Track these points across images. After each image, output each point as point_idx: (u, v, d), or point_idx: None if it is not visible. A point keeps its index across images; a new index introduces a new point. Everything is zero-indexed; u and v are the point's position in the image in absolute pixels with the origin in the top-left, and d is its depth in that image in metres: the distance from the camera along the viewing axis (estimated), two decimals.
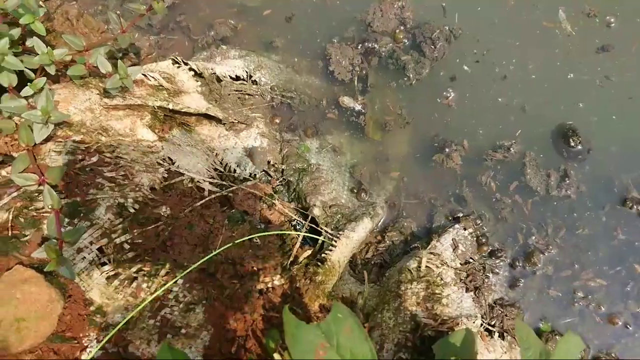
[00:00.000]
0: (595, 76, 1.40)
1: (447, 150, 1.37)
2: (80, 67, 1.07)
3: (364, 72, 1.48)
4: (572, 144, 1.34)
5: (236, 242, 1.07)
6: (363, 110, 1.44)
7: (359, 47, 1.49)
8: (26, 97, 0.97)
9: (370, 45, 1.49)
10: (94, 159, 1.03)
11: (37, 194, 0.96)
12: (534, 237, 1.30)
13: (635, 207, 1.29)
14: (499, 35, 1.47)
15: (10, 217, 0.92)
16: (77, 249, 0.95)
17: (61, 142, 1.01)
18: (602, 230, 1.29)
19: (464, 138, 1.38)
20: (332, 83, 1.48)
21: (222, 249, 1.04)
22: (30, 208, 0.95)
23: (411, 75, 1.44)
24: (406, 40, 1.50)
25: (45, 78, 1.02)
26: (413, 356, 1.02)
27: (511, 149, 1.36)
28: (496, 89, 1.41)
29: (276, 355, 0.83)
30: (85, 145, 1.03)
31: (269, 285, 1.01)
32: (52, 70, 1.03)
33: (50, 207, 0.86)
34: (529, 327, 0.90)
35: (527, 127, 1.38)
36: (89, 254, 0.95)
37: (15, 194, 0.93)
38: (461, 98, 1.42)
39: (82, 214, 0.99)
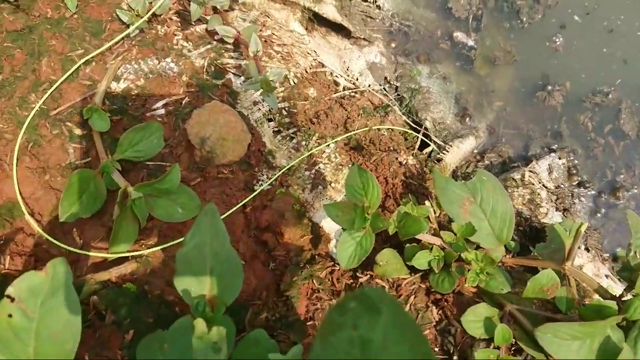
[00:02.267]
0: None
1: (549, 88, 1.50)
2: None
3: (480, 11, 1.61)
4: None
5: (374, 127, 1.21)
6: (474, 45, 1.58)
7: None
8: None
9: None
10: (268, 32, 1.19)
11: (223, 51, 1.12)
12: (621, 176, 1.43)
13: None
14: None
15: (205, 65, 1.08)
16: (253, 102, 1.10)
17: (245, 11, 1.16)
18: None
19: (567, 80, 1.51)
20: (448, 18, 1.62)
21: (363, 129, 1.19)
22: (218, 61, 1.10)
23: (524, 19, 1.57)
24: None
25: None
26: (522, 240, 1.17)
27: (609, 95, 1.49)
28: (602, 40, 1.54)
29: (427, 202, 0.98)
30: (262, 20, 1.18)
31: (406, 161, 1.16)
32: None
33: (255, 52, 1.01)
34: (637, 216, 1.04)
35: (626, 77, 1.51)
36: (262, 107, 1.11)
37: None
38: (568, 44, 1.55)
39: None
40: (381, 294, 0.38)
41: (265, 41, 1.18)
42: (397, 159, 1.14)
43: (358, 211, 0.88)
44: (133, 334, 0.73)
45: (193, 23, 1.11)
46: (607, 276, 1.28)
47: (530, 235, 1.19)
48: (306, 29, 1.39)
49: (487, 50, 1.57)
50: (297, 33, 1.31)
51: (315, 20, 1.46)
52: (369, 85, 1.48)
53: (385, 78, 1.53)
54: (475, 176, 0.99)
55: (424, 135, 1.43)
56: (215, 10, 1.13)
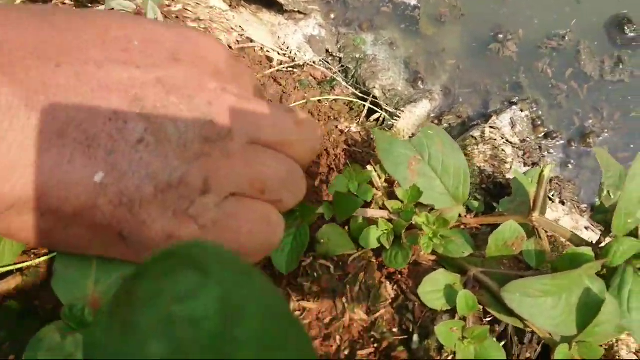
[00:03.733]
0: None
1: (502, 38, 1.40)
2: None
3: None
4: (627, 31, 1.37)
5: (313, 99, 1.10)
6: (418, 4, 1.47)
7: None
8: None
9: None
10: (179, 7, 1.07)
11: None
12: (589, 121, 1.33)
13: None
14: None
15: None
16: None
17: None
18: None
19: (519, 28, 1.41)
20: None
21: (300, 102, 1.08)
22: None
23: None
24: None
25: None
26: (486, 199, 1.06)
27: (566, 37, 1.39)
28: None
29: (369, 167, 0.87)
30: None
31: (347, 129, 1.04)
32: None
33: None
34: (607, 153, 0.93)
35: (581, 17, 1.41)
36: None
37: None
38: None
39: None
40: (210, 250, 0.26)
41: (177, 17, 1.06)
42: (337, 127, 1.02)
43: None
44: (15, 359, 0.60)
45: (89, 4, 0.99)
46: (587, 228, 1.17)
47: (495, 192, 1.09)
48: (230, 5, 1.27)
49: (431, 8, 1.47)
50: (217, 9, 1.19)
51: None
52: (309, 61, 1.36)
53: (327, 50, 1.42)
54: (420, 131, 0.88)
55: (373, 104, 1.31)
56: None
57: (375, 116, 1.23)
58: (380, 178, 0.90)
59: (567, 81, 1.37)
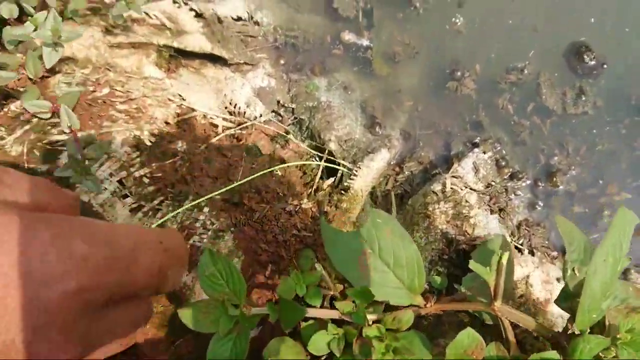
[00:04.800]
0: None
1: (459, 76, 1.34)
2: (82, 0, 1.02)
3: (369, 5, 1.44)
4: (586, 59, 1.31)
5: (260, 173, 1.03)
6: (370, 44, 1.41)
7: None
8: None
9: None
10: (106, 91, 0.99)
11: (50, 127, 0.92)
12: (555, 158, 1.28)
13: None
14: None
15: (25, 150, 0.88)
16: (100, 180, 0.91)
17: (70, 73, 0.96)
18: (622, 144, 1.27)
19: (476, 63, 1.35)
20: (336, 20, 1.44)
21: (247, 179, 1.01)
22: (44, 141, 0.91)
23: (417, 4, 1.40)
24: None
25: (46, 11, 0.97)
26: (449, 270, 1.00)
27: (525, 70, 1.33)
28: (506, 10, 1.38)
29: (317, 266, 0.80)
30: (95, 77, 0.99)
31: (298, 207, 0.98)
32: (52, 2, 0.97)
33: (69, 127, 0.81)
34: (570, 222, 0.88)
35: (539, 47, 1.35)
36: (109, 185, 0.91)
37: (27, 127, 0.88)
38: (470, 23, 1.38)
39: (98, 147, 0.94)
40: None
41: (104, 102, 0.98)
42: (284, 209, 0.96)
43: (221, 308, 0.70)
44: None
45: (4, 101, 0.91)
46: (558, 280, 1.12)
47: (458, 262, 1.03)
48: (168, 69, 1.19)
49: (384, 47, 1.40)
50: (152, 79, 1.12)
51: (181, 55, 1.26)
52: (260, 116, 1.30)
53: (279, 102, 1.35)
54: (368, 219, 0.82)
55: (329, 161, 1.25)
56: (31, 79, 0.93)
57: (329, 182, 1.16)
58: (330, 275, 0.84)
59: (529, 117, 1.31)
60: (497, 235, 0.96)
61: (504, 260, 0.76)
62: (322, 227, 0.82)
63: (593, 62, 1.31)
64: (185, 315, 0.70)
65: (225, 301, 0.69)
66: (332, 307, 0.80)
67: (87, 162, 0.79)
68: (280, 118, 1.34)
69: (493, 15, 1.38)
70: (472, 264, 0.78)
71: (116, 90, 1.01)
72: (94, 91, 0.97)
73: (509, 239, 1.12)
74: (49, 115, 0.87)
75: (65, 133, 0.91)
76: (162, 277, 0.70)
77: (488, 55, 1.36)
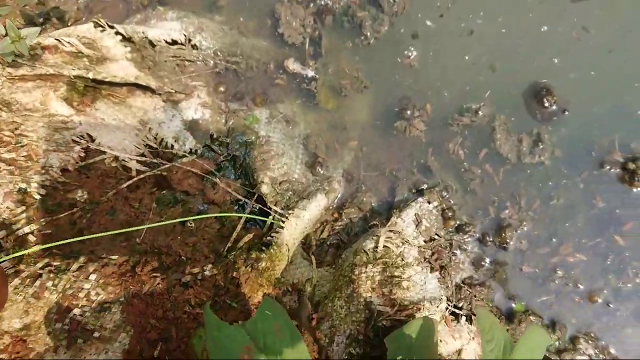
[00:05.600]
0: (571, 28, 1.25)
1: (409, 115, 1.23)
2: None
3: (317, 32, 1.32)
4: (546, 104, 1.20)
5: (167, 222, 0.93)
6: (315, 75, 1.30)
7: (311, 5, 1.33)
8: None
9: (323, 2, 1.33)
10: None
11: None
12: (506, 211, 1.18)
13: (614, 169, 1.16)
14: None
15: None
16: None
17: None
18: (580, 199, 1.17)
19: (427, 102, 1.24)
20: (282, 46, 1.33)
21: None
22: None
23: (368, 34, 1.28)
24: None
25: None
26: (365, 350, 0.90)
27: (479, 112, 1.22)
28: (462, 45, 1.27)
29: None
30: None
31: (198, 276, 0.88)
32: None
33: None
34: (492, 316, 0.78)
35: (496, 87, 1.24)
36: None
37: None
38: (424, 57, 1.27)
39: None
40: None
41: None
42: (179, 280, 0.86)
43: None
44: None
45: None
46: None
47: (377, 342, 0.93)
48: (81, 103, 1.09)
49: (330, 78, 1.29)
50: (58, 117, 1.01)
51: (103, 84, 1.15)
52: (190, 151, 1.19)
53: (212, 135, 1.24)
54: (257, 311, 0.72)
55: (259, 207, 1.15)
56: None
57: (246, 238, 1.05)
58: None
59: (481, 164, 1.21)
60: (417, 319, 0.85)
61: None
62: (205, 317, 0.72)
63: (554, 107, 1.20)
64: None
65: None
66: None
67: None
68: (213, 154, 1.24)
69: (448, 49, 1.27)
70: None
71: (4, 135, 0.91)
72: None
73: (445, 305, 1.03)
74: None
75: None
76: None
77: (441, 94, 1.25)
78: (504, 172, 1.20)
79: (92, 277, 0.85)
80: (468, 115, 1.23)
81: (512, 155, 1.20)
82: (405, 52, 1.28)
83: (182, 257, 0.90)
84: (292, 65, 1.30)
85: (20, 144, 0.92)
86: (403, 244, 1.09)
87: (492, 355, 0.74)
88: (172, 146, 1.19)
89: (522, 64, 1.24)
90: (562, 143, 1.19)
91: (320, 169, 1.23)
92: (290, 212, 1.12)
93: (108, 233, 0.85)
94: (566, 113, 1.20)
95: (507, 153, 1.20)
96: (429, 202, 1.18)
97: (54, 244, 0.81)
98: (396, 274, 1.03)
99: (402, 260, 1.07)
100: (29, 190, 0.89)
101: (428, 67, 1.27)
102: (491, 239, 1.17)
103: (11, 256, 0.79)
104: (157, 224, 0.91)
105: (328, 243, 1.18)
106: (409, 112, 1.24)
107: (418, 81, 1.26)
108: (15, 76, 1.01)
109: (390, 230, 1.10)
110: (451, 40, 1.27)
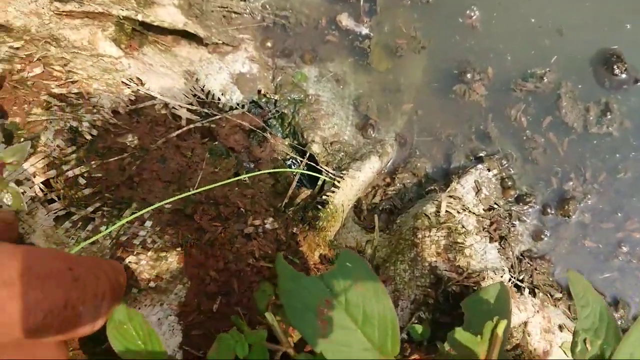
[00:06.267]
0: None
1: (469, 79, 1.16)
2: None
3: None
4: (616, 71, 1.13)
5: (221, 183, 0.87)
6: (370, 33, 1.23)
7: None
8: None
9: None
10: (37, 71, 0.82)
11: None
12: (570, 182, 1.11)
13: None
14: None
15: None
16: (15, 181, 0.75)
17: None
18: None
19: (489, 65, 1.17)
20: (335, 1, 1.26)
21: (205, 188, 0.84)
22: None
23: None
24: None
25: None
26: (434, 315, 0.85)
27: (545, 78, 1.15)
28: (528, 7, 1.20)
29: (268, 315, 0.65)
30: (26, 53, 0.82)
31: (260, 229, 0.82)
32: None
33: None
34: (585, 280, 0.72)
35: (563, 52, 1.17)
36: (30, 188, 0.75)
37: None
38: (487, 18, 1.20)
39: (22, 139, 0.78)
40: None
41: (34, 84, 0.81)
42: (242, 231, 0.80)
43: None
44: None
45: None
46: (561, 327, 0.97)
47: (445, 308, 0.87)
48: (129, 46, 1.02)
49: (385, 37, 1.22)
50: (107, 58, 0.94)
51: (150, 30, 1.09)
52: (237, 106, 1.13)
53: (260, 91, 1.18)
54: (336, 263, 0.66)
55: (310, 167, 1.08)
56: None
57: (304, 195, 1.00)
58: (285, 325, 0.68)
59: (544, 132, 1.14)
60: (494, 284, 0.80)
61: (500, 332, 0.60)
62: (278, 266, 0.66)
63: (624, 76, 1.14)
64: None
65: None
66: None
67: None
68: (260, 110, 1.18)
69: (514, 11, 1.20)
70: (459, 333, 0.62)
71: (54, 69, 0.84)
72: (22, 70, 0.80)
73: (507, 276, 0.97)
74: None
75: None
76: (71, 315, 0.55)
77: (504, 57, 1.18)
78: (568, 142, 1.13)
79: (148, 223, 0.79)
80: (532, 81, 1.16)
81: (577, 124, 1.14)
82: (468, 11, 1.20)
83: (241, 209, 0.84)
84: (345, 20, 1.23)
85: (70, 80, 0.85)
86: (463, 210, 1.03)
87: (589, 322, 0.68)
88: (219, 99, 1.12)
89: (591, 28, 1.17)
90: (632, 114, 1.13)
91: (372, 132, 1.17)
92: (344, 172, 1.05)
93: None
94: (638, 83, 1.13)
95: (572, 122, 1.14)
96: (489, 170, 1.11)
97: (152, 207, 0.75)
98: (459, 240, 0.97)
99: (463, 227, 1.01)
100: (80, 129, 0.83)
101: (491, 28, 1.20)
102: (552, 212, 1.11)
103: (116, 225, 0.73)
104: (221, 183, 0.85)
105: (380, 208, 1.12)
106: (469, 75, 1.17)
107: (480, 43, 1.19)
108: (63, 11, 0.94)
109: (451, 196, 1.04)
110: (517, 0, 1.20)
